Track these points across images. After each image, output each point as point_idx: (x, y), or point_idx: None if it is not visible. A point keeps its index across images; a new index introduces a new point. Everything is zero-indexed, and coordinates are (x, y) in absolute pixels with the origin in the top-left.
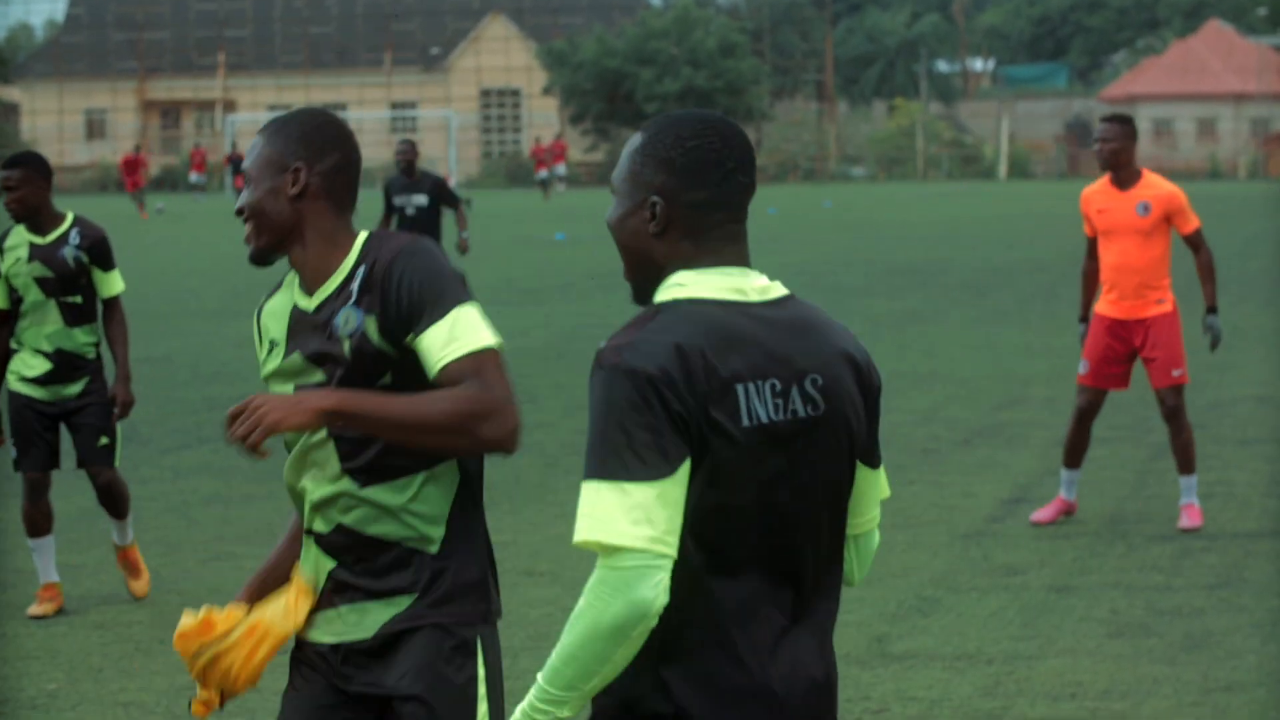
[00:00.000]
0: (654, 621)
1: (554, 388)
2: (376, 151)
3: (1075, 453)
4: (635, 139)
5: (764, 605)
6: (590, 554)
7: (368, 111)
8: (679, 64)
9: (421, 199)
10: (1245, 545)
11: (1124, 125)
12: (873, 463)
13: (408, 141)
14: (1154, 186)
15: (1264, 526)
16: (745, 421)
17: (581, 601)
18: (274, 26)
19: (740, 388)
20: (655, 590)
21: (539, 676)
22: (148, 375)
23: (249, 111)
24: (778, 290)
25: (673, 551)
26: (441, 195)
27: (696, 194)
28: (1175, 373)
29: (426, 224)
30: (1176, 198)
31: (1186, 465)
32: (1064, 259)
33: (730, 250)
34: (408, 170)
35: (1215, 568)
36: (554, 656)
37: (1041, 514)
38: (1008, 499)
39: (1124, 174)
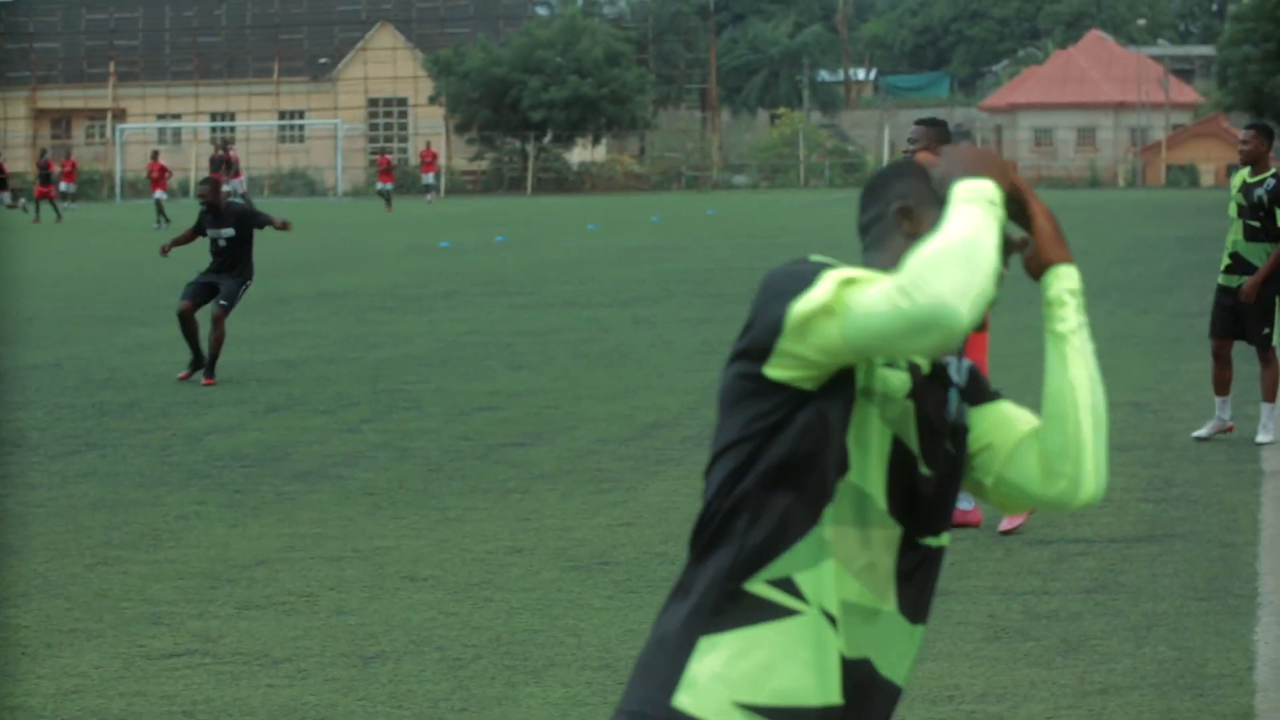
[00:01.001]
0: None
1: (437, 394)
2: (265, 160)
3: None
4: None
5: None
6: (474, 560)
7: (256, 120)
8: (565, 73)
9: (229, 231)
10: (1122, 550)
11: (930, 128)
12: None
13: (207, 183)
14: None
15: (1140, 531)
16: None
17: None
18: (164, 36)
19: None
20: None
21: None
22: (37, 381)
23: (139, 121)
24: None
25: None
26: (247, 223)
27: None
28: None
29: (237, 253)
30: None
31: None
32: None
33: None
34: (212, 209)
35: (1092, 572)
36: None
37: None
38: None
39: None
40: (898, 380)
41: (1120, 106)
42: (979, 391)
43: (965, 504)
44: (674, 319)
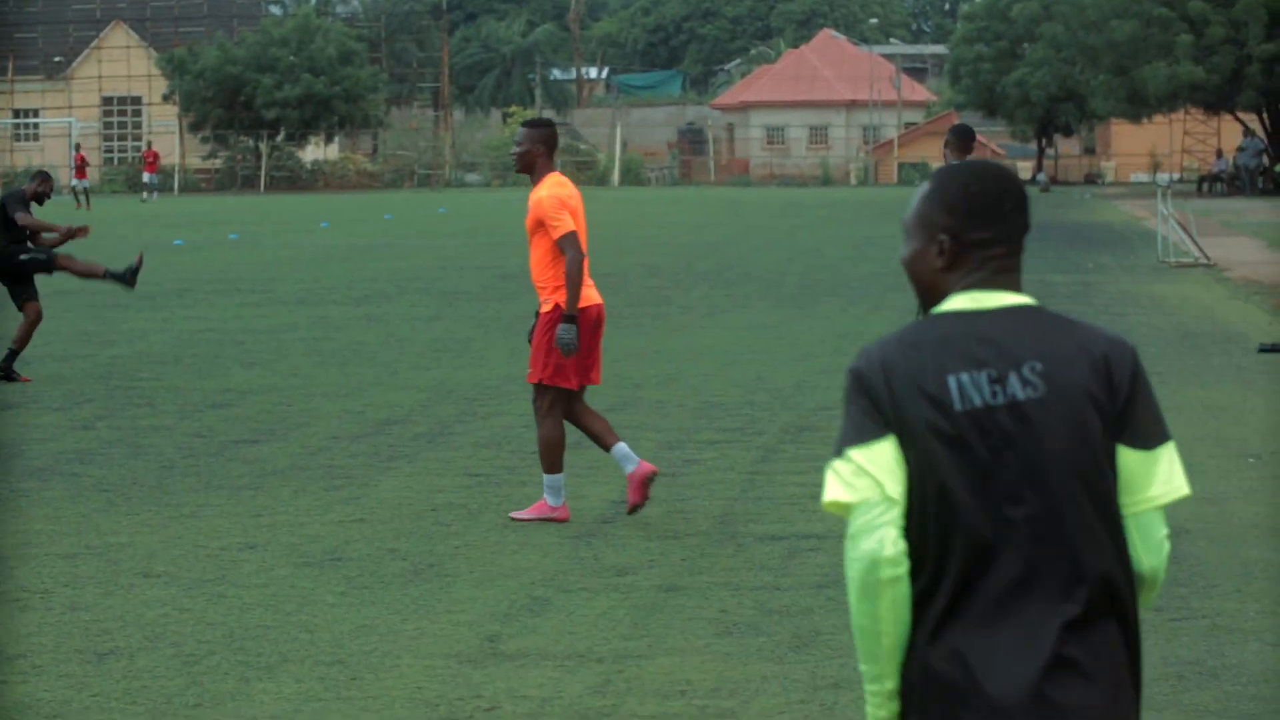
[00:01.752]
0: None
1: (170, 391)
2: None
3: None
4: (925, 186)
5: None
6: (207, 556)
7: None
8: (299, 71)
9: None
10: None
11: (533, 129)
12: (1135, 444)
13: None
14: (538, 190)
15: None
16: (958, 406)
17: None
18: None
19: (952, 379)
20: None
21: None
22: None
23: None
24: (1018, 300)
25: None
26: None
27: (980, 234)
28: (530, 371)
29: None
30: (540, 204)
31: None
32: (677, 265)
33: (1003, 279)
34: None
35: (824, 567)
36: (856, 642)
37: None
38: (618, 500)
39: (534, 176)
40: None
41: (852, 105)
42: None
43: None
44: (406, 316)
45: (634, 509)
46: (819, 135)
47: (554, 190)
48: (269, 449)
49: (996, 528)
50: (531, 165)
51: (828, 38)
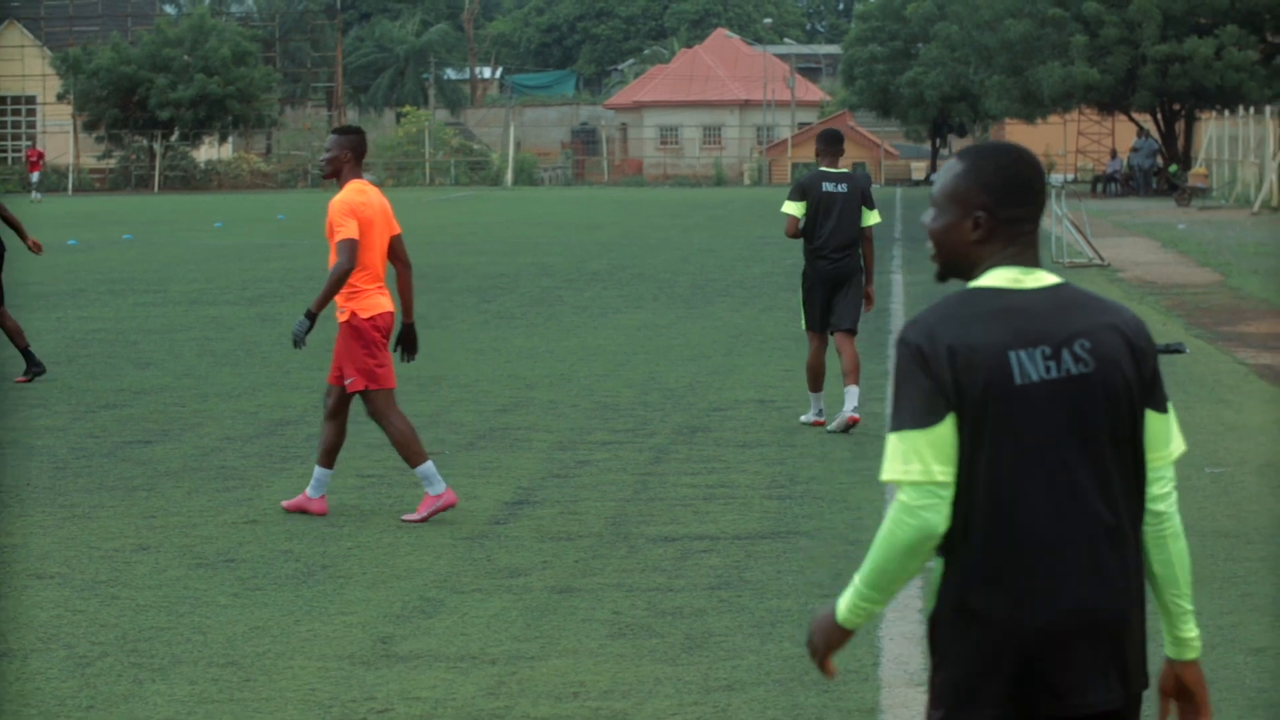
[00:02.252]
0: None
1: (64, 391)
2: None
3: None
4: (958, 164)
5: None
6: (101, 557)
7: None
8: (193, 71)
9: None
10: (746, 546)
11: (343, 136)
12: (1158, 407)
13: None
14: (336, 196)
15: (764, 528)
16: (1018, 380)
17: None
18: None
19: (1012, 354)
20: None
21: (856, 579)
22: None
23: None
24: (1054, 279)
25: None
26: None
27: (1014, 210)
28: (347, 381)
29: None
30: (330, 209)
31: (324, 460)
32: (570, 265)
33: (1033, 255)
34: None
35: (716, 569)
36: (868, 565)
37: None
38: (510, 501)
39: (340, 182)
40: None
41: (746, 105)
42: None
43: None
44: (299, 316)
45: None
46: (712, 135)
47: (348, 196)
48: (162, 450)
49: (1045, 493)
50: (339, 171)
51: (722, 37)
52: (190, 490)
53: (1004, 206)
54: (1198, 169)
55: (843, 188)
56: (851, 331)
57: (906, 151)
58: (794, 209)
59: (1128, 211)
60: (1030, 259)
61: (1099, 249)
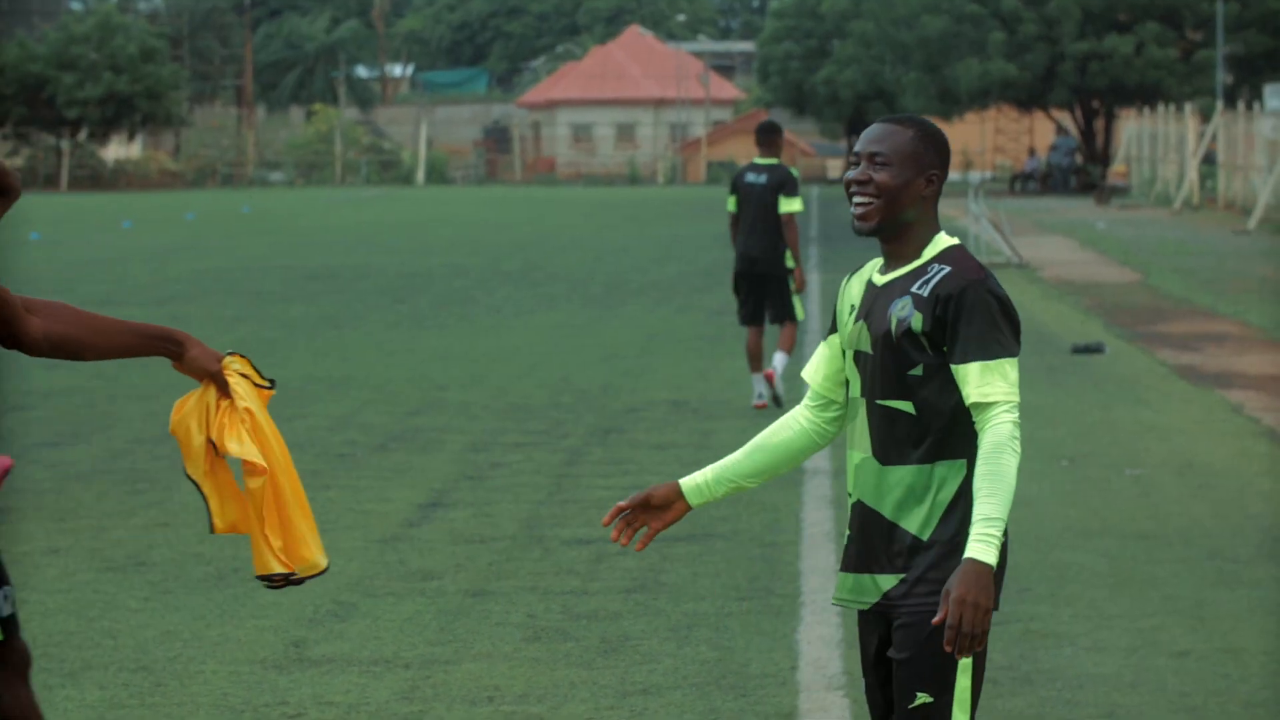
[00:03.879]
0: None
1: None
2: None
3: None
4: (910, 131)
5: None
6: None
7: None
8: (100, 69)
9: None
10: (662, 549)
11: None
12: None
13: None
14: None
15: (681, 530)
16: None
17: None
18: None
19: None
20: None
21: (983, 521)
22: None
23: None
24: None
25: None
26: None
27: (946, 173)
28: None
29: None
30: None
31: None
32: (484, 265)
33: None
34: None
35: (632, 572)
36: (1000, 497)
37: None
38: (423, 504)
39: None
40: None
41: (660, 103)
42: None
43: None
44: (209, 317)
45: None
46: (626, 133)
47: None
48: (71, 452)
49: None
50: None
51: (635, 34)
52: (100, 493)
53: (946, 170)
54: (1117, 167)
55: (762, 178)
56: (790, 321)
57: (822, 150)
58: (730, 204)
59: (1047, 210)
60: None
61: (1017, 248)
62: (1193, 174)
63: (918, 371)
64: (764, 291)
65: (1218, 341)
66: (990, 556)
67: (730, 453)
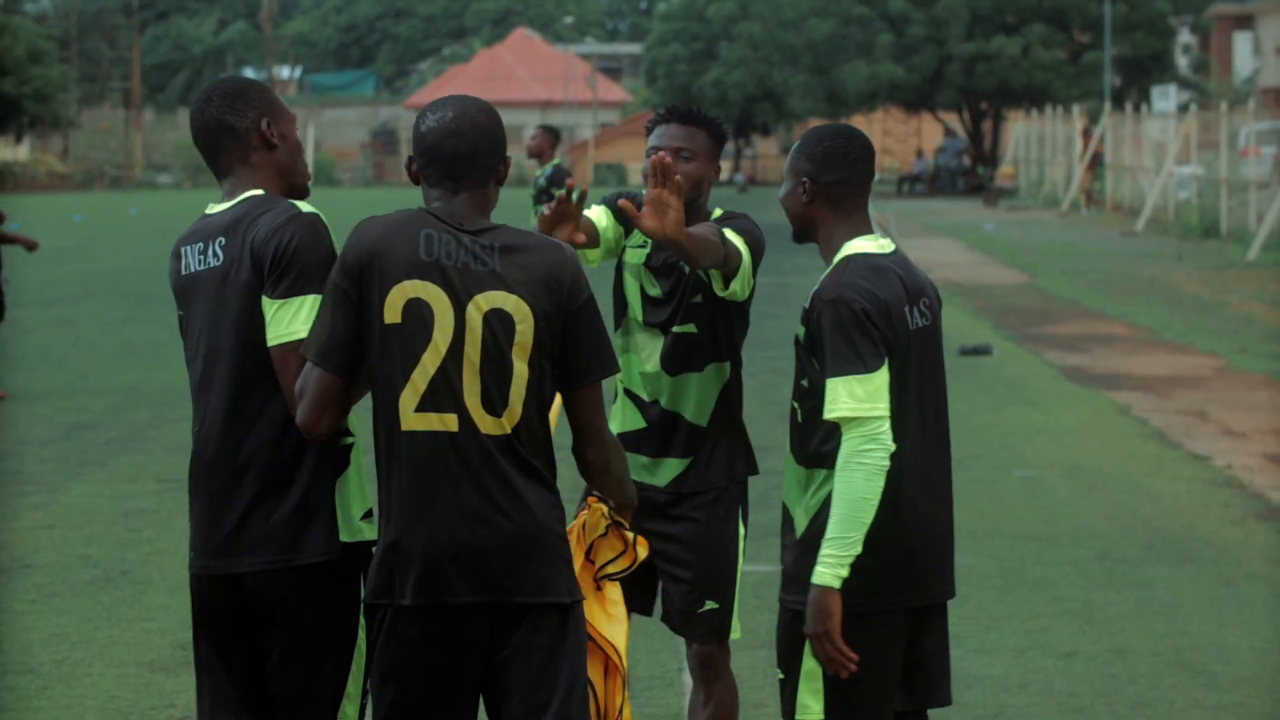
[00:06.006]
0: None
1: None
2: None
3: None
4: (796, 143)
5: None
6: None
7: None
8: None
9: None
10: None
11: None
12: None
13: None
14: None
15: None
16: (911, 327)
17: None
18: None
19: (905, 308)
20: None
21: (828, 544)
22: None
23: None
24: (891, 245)
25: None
26: None
27: (831, 175)
28: None
29: None
30: None
31: None
32: None
33: (860, 217)
34: None
35: None
36: (841, 519)
37: None
38: None
39: None
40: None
41: (547, 105)
42: None
43: None
44: (96, 320)
45: None
46: (513, 135)
47: None
48: None
49: (918, 426)
50: None
51: (522, 36)
52: None
53: (824, 173)
54: (1005, 169)
55: None
56: None
57: None
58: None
59: (934, 212)
60: (864, 225)
61: (905, 250)
62: (1080, 175)
63: (805, 382)
64: None
65: (1105, 343)
66: (828, 579)
67: None
